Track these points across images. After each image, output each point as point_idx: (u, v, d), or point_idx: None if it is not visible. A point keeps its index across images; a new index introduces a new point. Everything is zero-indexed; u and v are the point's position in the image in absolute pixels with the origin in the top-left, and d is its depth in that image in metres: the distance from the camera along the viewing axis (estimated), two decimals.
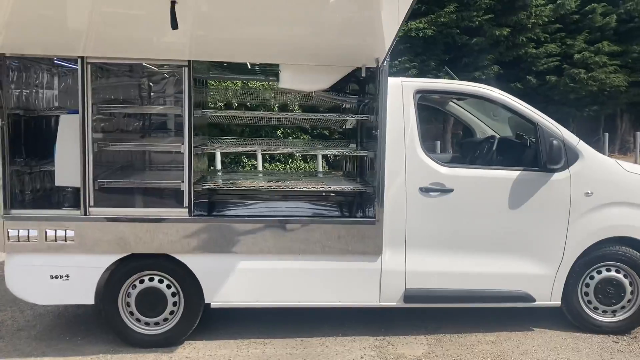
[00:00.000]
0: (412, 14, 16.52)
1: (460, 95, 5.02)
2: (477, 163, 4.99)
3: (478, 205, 4.70)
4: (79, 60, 4.32)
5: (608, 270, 4.85)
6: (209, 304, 4.61)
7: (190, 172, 4.46)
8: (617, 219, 4.78)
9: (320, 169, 9.27)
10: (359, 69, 4.54)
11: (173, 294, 4.61)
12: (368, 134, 4.96)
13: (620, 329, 4.88)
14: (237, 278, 4.57)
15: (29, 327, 4.97)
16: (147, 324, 4.60)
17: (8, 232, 4.37)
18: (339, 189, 4.88)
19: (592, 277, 4.85)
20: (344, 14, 3.83)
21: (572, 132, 4.84)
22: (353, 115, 4.79)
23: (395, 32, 3.89)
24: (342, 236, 4.54)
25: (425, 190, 4.64)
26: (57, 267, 4.47)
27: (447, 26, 17.02)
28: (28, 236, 4.37)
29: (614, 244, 4.81)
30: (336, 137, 6.06)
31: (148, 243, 4.45)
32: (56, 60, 4.81)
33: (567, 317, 4.93)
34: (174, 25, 3.38)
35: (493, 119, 6.51)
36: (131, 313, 4.59)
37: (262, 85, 8.32)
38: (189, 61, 4.39)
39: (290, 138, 10.50)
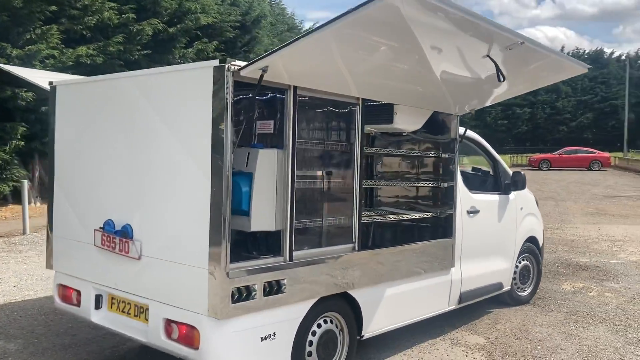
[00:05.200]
0: (84, 41, 15.87)
1: (464, 138, 6.41)
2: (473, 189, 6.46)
3: (488, 221, 6.26)
4: (289, 90, 3.93)
5: (523, 260, 7.11)
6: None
7: (360, 206, 4.53)
8: (529, 225, 7.10)
9: None
10: None
11: (339, 333, 4.51)
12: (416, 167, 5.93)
13: (528, 299, 7.19)
14: (386, 304, 4.85)
15: None
16: None
17: (232, 292, 3.55)
18: (430, 215, 5.68)
19: (517, 266, 7.01)
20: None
21: None
22: (433, 154, 5.66)
23: (501, 100, 5.17)
24: (438, 254, 5.41)
25: (468, 212, 5.91)
26: (267, 325, 3.87)
27: (113, 56, 16.96)
28: (250, 294, 3.66)
29: (525, 242, 7.10)
30: None
31: (334, 283, 4.32)
32: None
33: (503, 297, 6.93)
34: (501, 78, 3.86)
35: None
36: None
37: None
38: (361, 99, 4.51)
39: None
